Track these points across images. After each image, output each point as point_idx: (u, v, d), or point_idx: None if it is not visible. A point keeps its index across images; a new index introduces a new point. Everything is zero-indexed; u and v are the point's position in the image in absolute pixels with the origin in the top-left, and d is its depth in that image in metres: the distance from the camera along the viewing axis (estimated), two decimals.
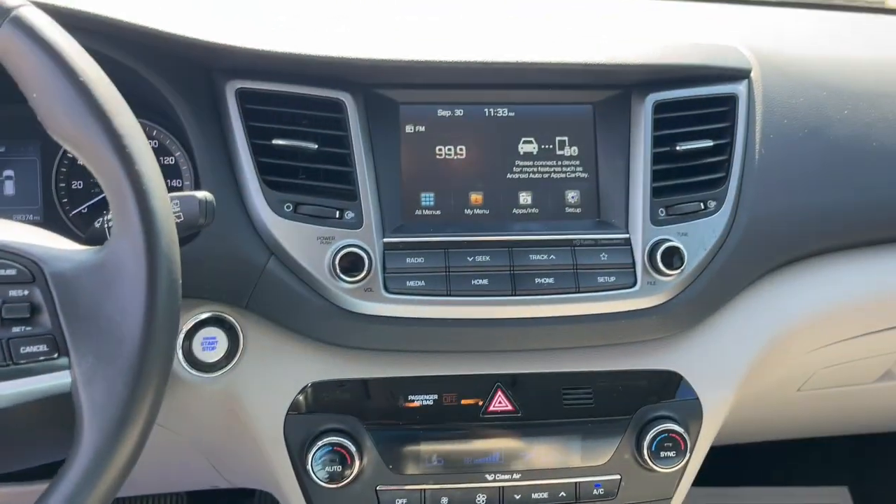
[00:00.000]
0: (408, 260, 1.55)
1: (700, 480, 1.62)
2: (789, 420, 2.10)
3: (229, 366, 1.51)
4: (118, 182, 0.95)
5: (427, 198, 1.66)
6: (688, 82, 1.63)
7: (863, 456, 2.70)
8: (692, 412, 1.64)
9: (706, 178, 1.63)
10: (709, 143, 1.64)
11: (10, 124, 1.56)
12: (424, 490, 1.53)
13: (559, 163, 1.69)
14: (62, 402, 0.93)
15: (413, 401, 1.55)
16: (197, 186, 1.51)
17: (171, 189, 1.85)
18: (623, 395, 1.64)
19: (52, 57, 0.95)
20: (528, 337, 1.57)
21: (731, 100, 1.66)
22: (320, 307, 1.49)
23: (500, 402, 1.59)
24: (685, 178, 1.62)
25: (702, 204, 1.66)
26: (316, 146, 1.52)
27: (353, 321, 1.50)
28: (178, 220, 1.17)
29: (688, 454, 1.58)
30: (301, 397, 1.51)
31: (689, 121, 1.63)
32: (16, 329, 0.97)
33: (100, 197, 1.67)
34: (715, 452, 1.65)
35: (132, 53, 1.40)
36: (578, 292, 1.56)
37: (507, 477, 1.57)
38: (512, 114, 1.70)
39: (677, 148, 1.65)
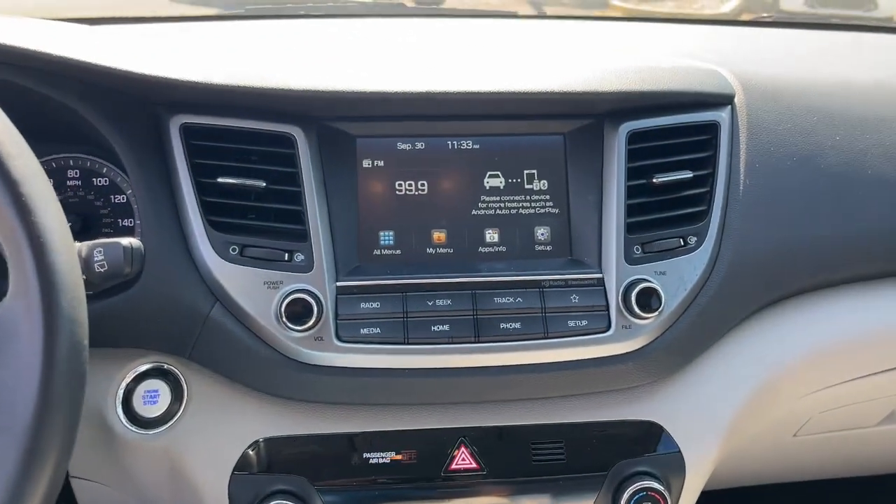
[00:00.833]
0: (362, 305, 1.45)
1: None
2: (786, 464, 1.95)
3: (172, 421, 1.43)
4: (14, 234, 0.87)
5: (386, 237, 1.57)
6: (665, 110, 1.54)
7: (870, 495, 2.53)
8: (674, 466, 1.53)
9: (686, 211, 1.54)
10: (688, 175, 1.55)
11: None
12: None
13: (528, 198, 1.60)
14: None
15: (368, 459, 1.43)
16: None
17: (122, 230, 1.76)
18: (598, 449, 1.53)
19: None
20: (493, 387, 1.47)
21: (712, 127, 1.57)
22: (268, 357, 1.41)
23: (464, 459, 1.46)
24: (663, 213, 1.53)
25: (681, 240, 1.56)
26: (264, 184, 1.45)
27: (303, 372, 1.42)
28: (102, 270, 1.10)
29: None
30: (248, 455, 1.40)
31: (667, 150, 1.55)
32: None
33: None
34: (706, 497, 1.49)
35: (63, 89, 1.34)
36: (547, 338, 1.46)
37: None
38: (477, 146, 1.61)
39: (654, 180, 1.56)
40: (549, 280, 1.51)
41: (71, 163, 1.56)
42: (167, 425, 1.42)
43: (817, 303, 1.61)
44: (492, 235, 1.58)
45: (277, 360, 1.39)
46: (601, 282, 1.52)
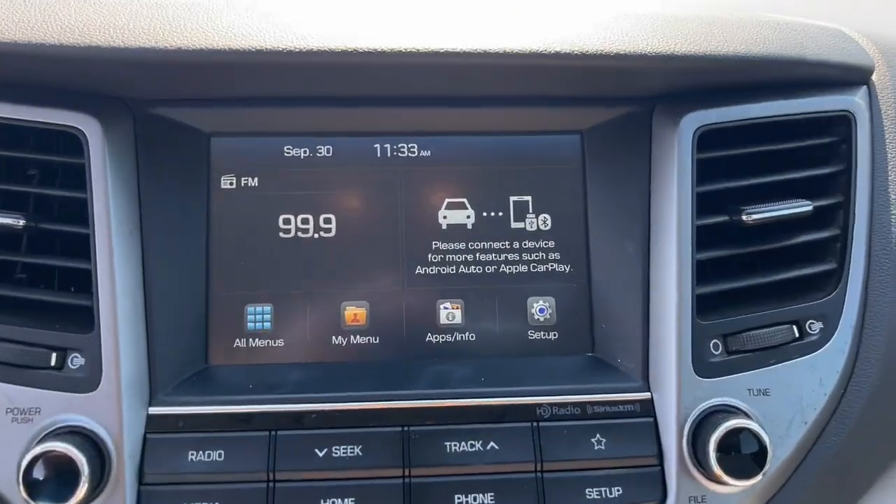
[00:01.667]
0: (192, 456, 0.91)
1: None
2: None
3: None
4: None
5: (257, 315, 1.01)
6: (751, 94, 1.05)
7: None
8: None
9: (802, 273, 1.04)
10: (805, 207, 1.04)
11: None
12: None
13: (516, 244, 1.06)
14: None
15: None
16: None
17: None
18: None
19: None
20: None
21: (840, 123, 1.08)
22: None
23: None
24: (760, 276, 1.04)
25: (794, 328, 1.00)
26: (23, 221, 0.96)
27: None
28: None
29: None
30: None
31: (763, 163, 1.07)
32: None
33: None
34: None
35: None
36: None
37: None
38: (427, 153, 1.07)
39: (744, 216, 1.02)
40: (551, 405, 0.96)
41: None
42: None
43: None
44: (449, 313, 1.04)
45: None
46: (650, 409, 0.98)
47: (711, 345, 0.97)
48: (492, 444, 0.92)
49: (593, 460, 0.93)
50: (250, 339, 1.01)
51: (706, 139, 1.05)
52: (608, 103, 1.07)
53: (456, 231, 1.05)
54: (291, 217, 1.03)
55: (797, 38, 1.08)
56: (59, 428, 0.89)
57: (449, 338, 1.03)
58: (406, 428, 0.92)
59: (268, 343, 1.02)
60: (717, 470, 0.90)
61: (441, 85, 1.03)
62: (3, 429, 0.89)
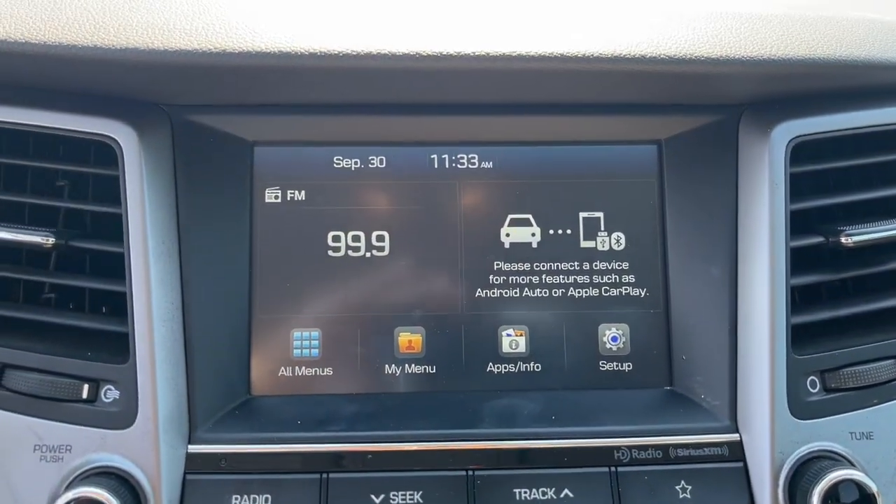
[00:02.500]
0: (234, 501, 0.82)
1: None
2: None
3: None
4: None
5: (304, 341, 0.93)
6: (848, 100, 0.96)
7: None
8: None
9: None
10: None
11: None
12: None
13: (586, 265, 0.98)
14: None
15: None
16: None
17: None
18: None
19: None
20: None
21: None
22: None
23: None
24: (859, 305, 0.94)
25: None
26: (53, 239, 0.88)
27: None
28: None
29: None
30: None
31: (865, 177, 0.98)
32: None
33: None
34: None
35: None
36: None
37: None
38: (488, 164, 0.98)
39: (843, 238, 0.92)
40: (630, 447, 0.86)
41: None
42: None
43: None
44: (513, 341, 0.95)
45: None
46: (739, 452, 0.88)
47: (808, 382, 0.87)
48: (566, 491, 0.83)
49: None
50: (297, 368, 0.94)
51: (796, 151, 0.96)
52: (689, 111, 0.98)
53: (520, 250, 0.97)
54: (341, 234, 0.96)
55: None
56: (92, 469, 0.81)
57: (512, 368, 0.94)
58: (471, 472, 0.83)
59: (315, 372, 0.95)
60: None
61: (504, 91, 0.94)
62: (30, 468, 0.81)
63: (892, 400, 0.90)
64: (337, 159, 0.98)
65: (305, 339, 0.95)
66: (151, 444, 0.82)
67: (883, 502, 0.87)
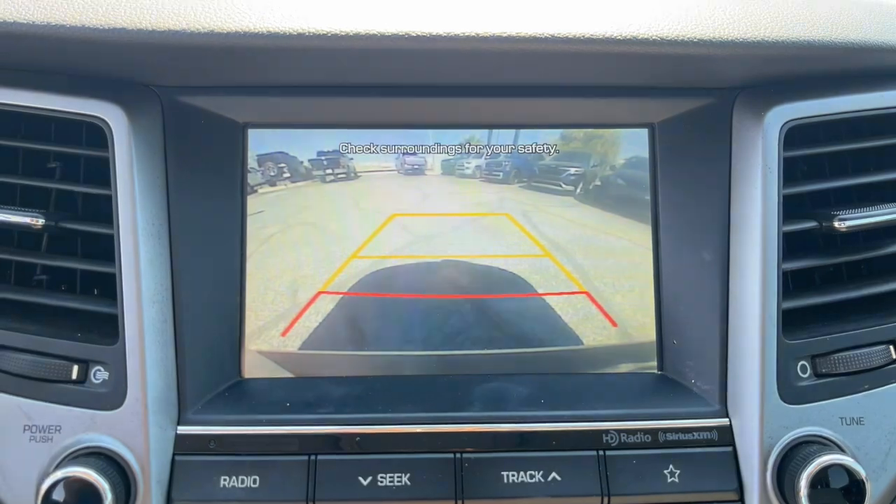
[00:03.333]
0: (223, 482, 0.82)
1: None
2: None
3: None
4: None
5: (298, 323, 0.92)
6: (843, 83, 0.95)
7: None
8: None
9: None
10: None
11: None
12: None
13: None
14: None
15: None
16: None
17: None
18: None
19: None
20: None
21: None
22: None
23: None
24: (851, 290, 0.93)
25: (891, 348, 0.89)
26: (42, 220, 0.88)
27: None
28: None
29: None
30: None
31: (858, 162, 0.98)
32: None
33: None
34: None
35: None
36: None
37: None
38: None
39: (836, 223, 0.92)
40: (619, 431, 0.85)
41: None
42: None
43: None
44: (502, 323, 0.92)
45: None
46: (728, 437, 0.87)
47: (798, 367, 0.87)
48: (554, 474, 0.83)
49: (666, 494, 0.83)
50: (287, 350, 0.93)
51: (789, 136, 0.95)
52: (683, 94, 0.98)
53: (493, 229, 0.96)
54: (333, 215, 0.95)
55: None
56: (81, 449, 0.81)
57: (500, 350, 0.94)
58: (459, 454, 0.83)
59: (306, 354, 0.93)
60: None
61: (496, 73, 0.93)
62: (20, 448, 0.82)
63: (884, 385, 0.89)
64: (329, 140, 0.95)
65: (298, 322, 0.95)
66: (140, 425, 0.82)
67: (872, 488, 0.87)
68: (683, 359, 0.92)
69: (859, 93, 0.97)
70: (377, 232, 0.96)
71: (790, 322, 0.92)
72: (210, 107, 0.96)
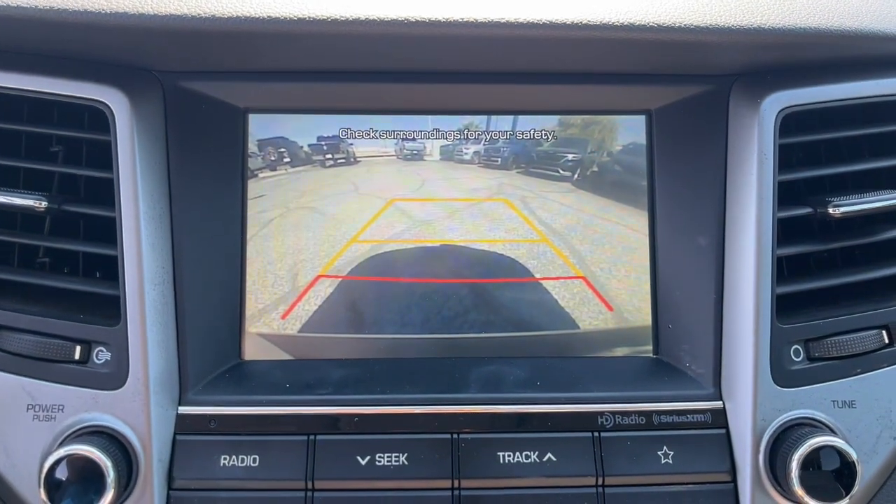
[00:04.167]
0: (223, 461, 0.83)
1: None
2: None
3: None
4: None
5: (298, 306, 0.93)
6: (838, 71, 0.95)
7: None
8: None
9: (891, 272, 0.94)
10: None
11: None
12: None
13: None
14: None
15: None
16: None
17: None
18: None
19: None
20: None
21: None
22: None
23: None
24: (845, 276, 0.94)
25: (883, 333, 0.90)
26: (45, 203, 0.89)
27: None
28: None
29: None
30: None
31: (853, 150, 0.98)
32: None
33: None
34: None
35: None
36: None
37: None
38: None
39: (831, 209, 0.92)
40: (614, 413, 0.86)
41: None
42: None
43: None
44: (500, 306, 0.93)
45: None
46: (722, 419, 0.88)
47: (792, 351, 0.88)
48: (549, 455, 0.83)
49: (660, 475, 0.84)
50: (287, 333, 0.93)
51: (785, 123, 0.95)
52: (680, 81, 0.99)
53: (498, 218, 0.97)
54: (333, 198, 0.96)
55: (893, 9, 0.97)
56: (84, 427, 0.82)
57: (498, 333, 0.95)
58: (456, 435, 0.84)
59: (305, 336, 0.94)
60: (798, 490, 0.81)
61: (494, 59, 0.92)
62: (23, 427, 0.83)
63: (876, 369, 0.89)
64: (329, 126, 0.95)
65: (298, 305, 0.96)
66: (142, 405, 0.83)
67: (863, 470, 0.87)
68: (678, 342, 0.93)
69: (855, 80, 0.97)
70: (376, 216, 0.97)
71: (784, 307, 0.92)
72: (211, 92, 0.97)
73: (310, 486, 0.85)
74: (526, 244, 0.96)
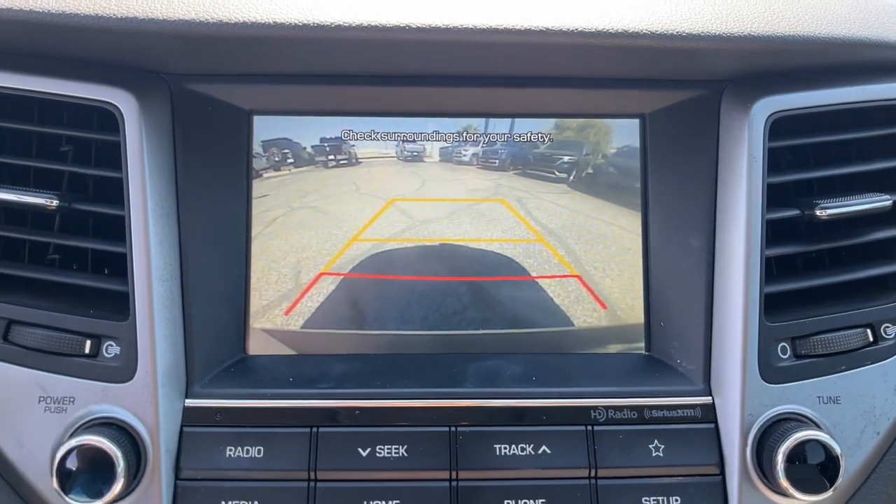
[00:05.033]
0: (229, 452, 0.86)
1: None
2: None
3: None
4: None
5: (301, 302, 0.96)
6: (828, 77, 0.98)
7: None
8: None
9: (876, 272, 0.97)
10: (884, 202, 0.96)
11: None
12: None
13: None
14: None
15: None
16: None
17: None
18: None
19: None
20: None
21: None
22: None
23: None
24: (831, 276, 0.97)
25: (869, 332, 0.93)
26: (57, 202, 0.91)
27: None
28: None
29: None
30: None
31: (832, 155, 1.00)
32: None
33: None
34: None
35: None
36: None
37: None
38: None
39: (818, 211, 0.95)
40: (607, 407, 0.89)
41: None
42: None
43: None
44: (497, 304, 0.96)
45: None
46: (711, 414, 0.91)
47: (779, 348, 0.90)
48: (544, 447, 0.86)
49: (650, 468, 0.87)
50: (291, 328, 0.96)
51: (775, 127, 0.98)
52: (673, 86, 1.00)
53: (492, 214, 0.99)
54: (338, 199, 0.99)
55: (880, 17, 1.00)
56: (94, 419, 0.85)
57: (494, 330, 0.98)
58: (454, 428, 0.87)
59: (309, 332, 0.97)
60: (784, 482, 0.83)
61: (493, 64, 0.95)
62: (36, 419, 0.85)
63: (860, 367, 0.92)
64: (332, 127, 0.97)
65: (301, 302, 0.98)
66: (150, 398, 0.85)
67: (847, 463, 0.90)
68: (670, 340, 0.95)
69: (843, 86, 0.99)
70: (377, 216, 0.99)
71: (772, 306, 0.95)
72: (217, 94, 0.98)
73: (312, 476, 0.87)
74: (522, 244, 0.98)
